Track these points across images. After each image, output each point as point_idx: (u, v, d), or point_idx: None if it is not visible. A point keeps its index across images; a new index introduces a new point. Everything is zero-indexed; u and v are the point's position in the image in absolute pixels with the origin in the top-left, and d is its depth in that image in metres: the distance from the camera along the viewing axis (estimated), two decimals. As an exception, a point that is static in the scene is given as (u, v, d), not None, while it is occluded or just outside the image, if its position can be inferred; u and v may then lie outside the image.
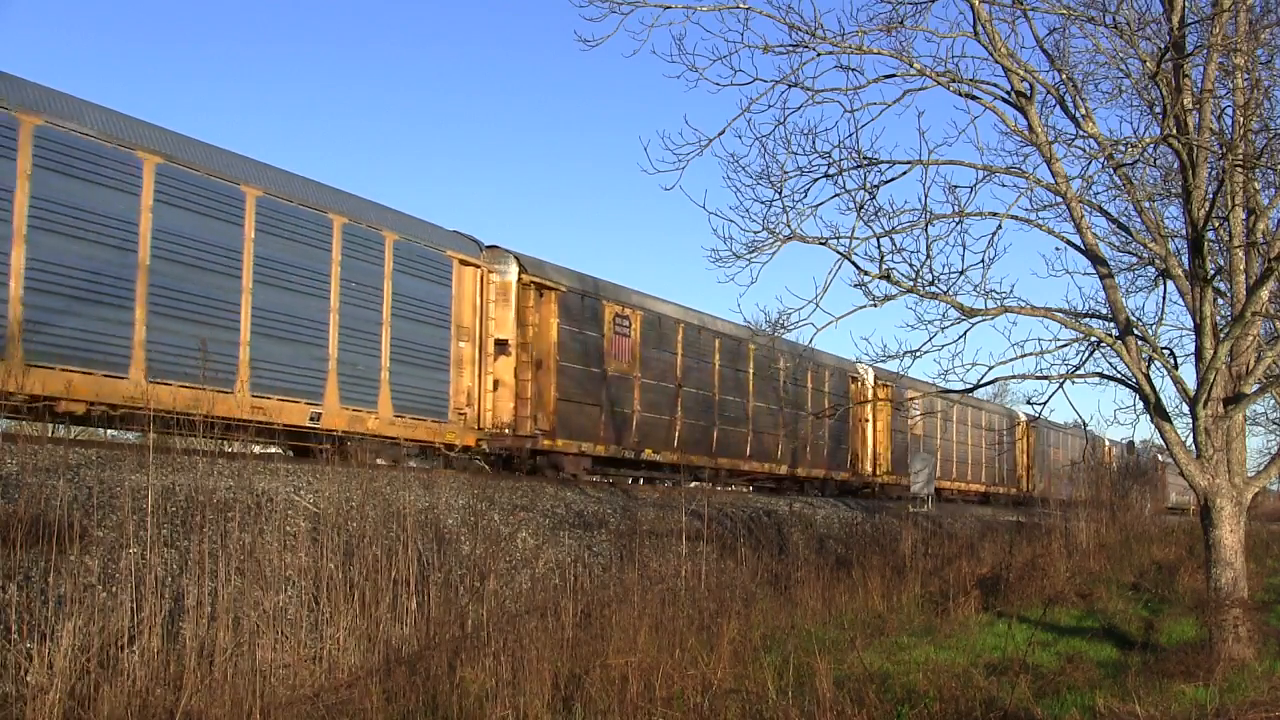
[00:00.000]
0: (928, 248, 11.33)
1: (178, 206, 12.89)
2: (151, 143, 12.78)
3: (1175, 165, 12.69)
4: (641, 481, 20.76)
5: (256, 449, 13.88)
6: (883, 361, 12.61)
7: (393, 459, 15.51)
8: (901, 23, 11.11)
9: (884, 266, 11.45)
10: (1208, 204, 11.82)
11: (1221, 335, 12.00)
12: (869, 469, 28.55)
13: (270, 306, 13.88)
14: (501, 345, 17.45)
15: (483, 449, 17.19)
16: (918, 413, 28.15)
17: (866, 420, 28.40)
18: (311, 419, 14.27)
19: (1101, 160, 11.99)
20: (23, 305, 11.25)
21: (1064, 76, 12.09)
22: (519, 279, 17.64)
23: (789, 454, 24.82)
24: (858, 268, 11.56)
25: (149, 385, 12.19)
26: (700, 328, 21.55)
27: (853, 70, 11.23)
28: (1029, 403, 13.93)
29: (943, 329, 11.96)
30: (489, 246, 17.74)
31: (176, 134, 13.35)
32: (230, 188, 13.55)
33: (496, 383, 17.37)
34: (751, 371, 23.00)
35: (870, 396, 26.93)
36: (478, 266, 17.18)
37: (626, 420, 19.72)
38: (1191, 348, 12.39)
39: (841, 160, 11.34)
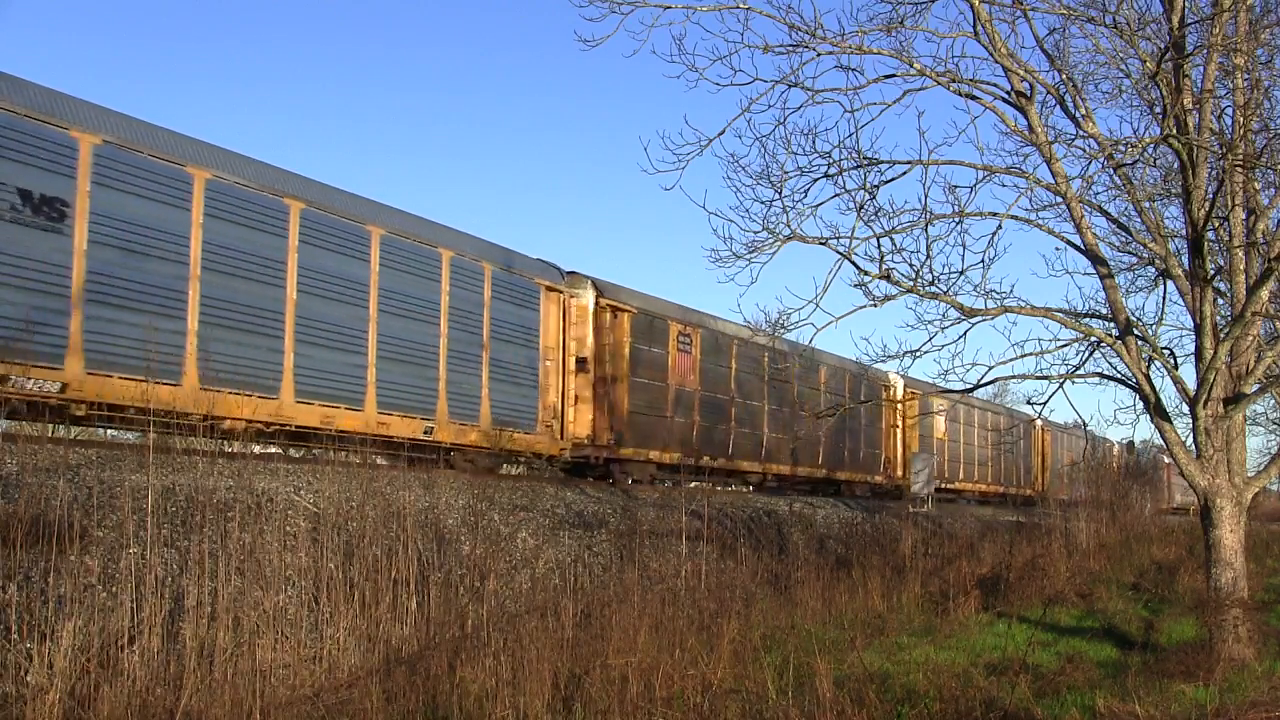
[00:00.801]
0: (928, 248, 11.34)
1: (317, 246, 14.52)
2: (297, 190, 14.32)
3: (1175, 165, 12.68)
4: (686, 484, 21.73)
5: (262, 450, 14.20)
6: (882, 361, 12.63)
7: (489, 467, 17.32)
8: (901, 23, 11.11)
9: (884, 266, 11.45)
10: (1208, 204, 11.82)
11: (1221, 335, 12.00)
12: (899, 472, 29.93)
13: (392, 334, 15.46)
14: (581, 363, 19.07)
15: (565, 458, 18.81)
16: (942, 419, 30.74)
17: (896, 427, 29.95)
18: (425, 432, 15.87)
19: (1101, 160, 11.98)
20: (196, 336, 12.80)
21: (1064, 76, 12.09)
22: (596, 302, 19.30)
23: (829, 458, 26.41)
24: (858, 268, 11.57)
25: (294, 404, 13.97)
26: (751, 343, 22.69)
27: (853, 70, 11.24)
28: (1029, 403, 13.93)
29: (943, 329, 11.97)
30: (569, 273, 19.26)
31: (315, 181, 14.94)
32: (358, 228, 15.21)
33: (576, 397, 18.97)
34: (795, 383, 24.50)
35: (901, 404, 28.91)
36: (560, 292, 18.86)
37: (688, 430, 21.36)
38: (1191, 348, 12.40)
39: (841, 160, 11.34)
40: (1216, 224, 13.07)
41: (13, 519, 8.51)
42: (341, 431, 14.07)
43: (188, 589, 9.00)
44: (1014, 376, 16.65)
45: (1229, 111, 12.99)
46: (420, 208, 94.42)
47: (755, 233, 11.48)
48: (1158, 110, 12.10)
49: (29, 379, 11.32)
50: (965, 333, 12.18)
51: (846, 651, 10.35)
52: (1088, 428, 36.86)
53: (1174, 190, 13.88)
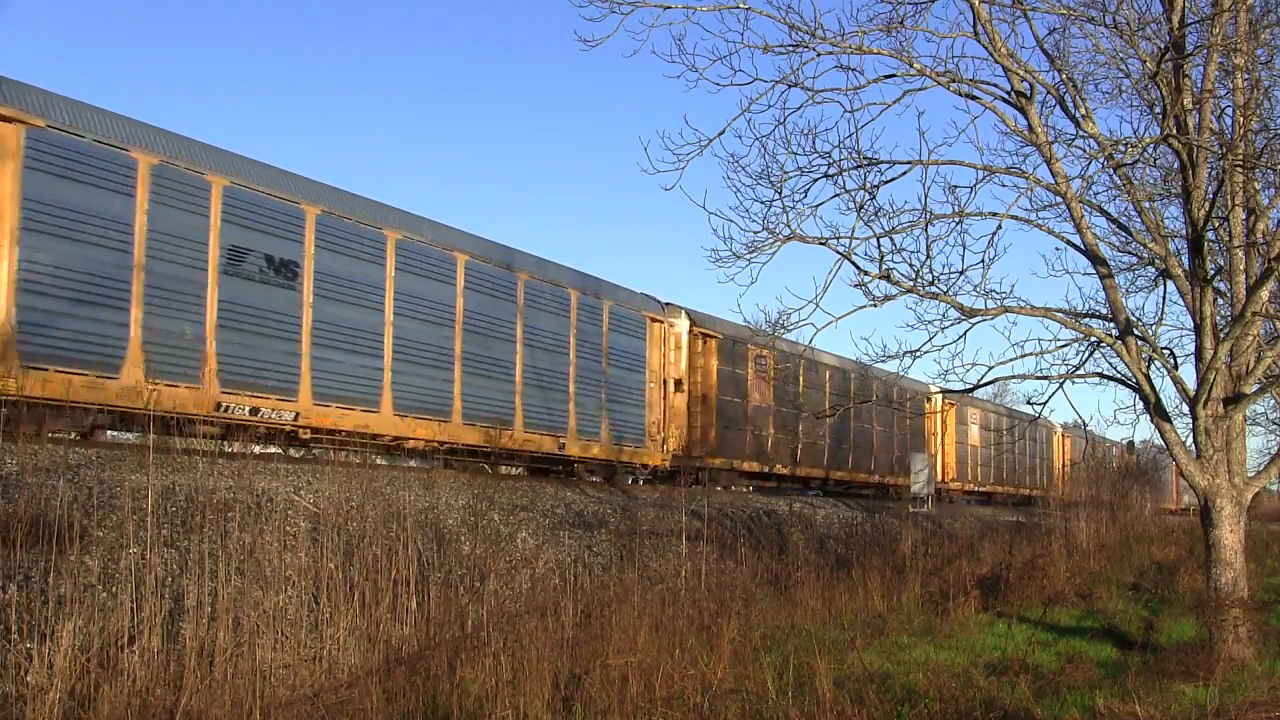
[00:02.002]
0: (928, 248, 11.34)
1: (478, 292, 17.09)
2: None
3: (1175, 165, 12.69)
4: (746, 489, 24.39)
5: (256, 449, 14.30)
6: (882, 361, 12.67)
7: (606, 476, 19.85)
8: (901, 23, 11.11)
9: (884, 266, 11.45)
10: (1208, 204, 11.82)
11: (1221, 335, 12.00)
12: (939, 476, 32.13)
13: (534, 364, 18.08)
14: (677, 384, 21.66)
15: (666, 467, 21.01)
16: (976, 427, 33.89)
17: (935, 435, 32.65)
18: (559, 447, 18.41)
19: (1101, 160, 11.98)
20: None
21: (1064, 76, 12.09)
22: (689, 330, 21.85)
23: (880, 465, 29.18)
24: (858, 268, 11.57)
25: (461, 425, 16.49)
26: (816, 362, 25.45)
27: (853, 70, 11.24)
28: (1029, 403, 13.94)
29: (943, 329, 11.98)
30: (666, 304, 21.79)
31: (473, 235, 17.27)
32: (510, 275, 17.78)
33: (673, 414, 21.50)
34: (851, 394, 26.87)
35: (939, 415, 32.03)
36: (660, 321, 21.40)
37: (764, 441, 23.96)
38: (1191, 348, 12.40)
39: (841, 160, 11.35)
40: (1216, 224, 13.07)
41: (13, 519, 8.50)
42: (500, 449, 16.85)
43: (188, 589, 8.99)
44: (1014, 376, 16.69)
45: (1229, 111, 12.99)
46: (420, 207, 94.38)
47: (755, 233, 11.49)
48: (1158, 110, 12.10)
49: (274, 410, 13.78)
50: (965, 333, 12.20)
51: (846, 651, 10.35)
52: (1088, 428, 37.11)
53: (1174, 190, 13.88)
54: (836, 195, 11.56)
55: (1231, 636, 11.35)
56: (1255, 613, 12.27)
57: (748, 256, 11.50)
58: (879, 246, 11.42)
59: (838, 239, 11.51)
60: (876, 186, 11.43)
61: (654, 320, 21.16)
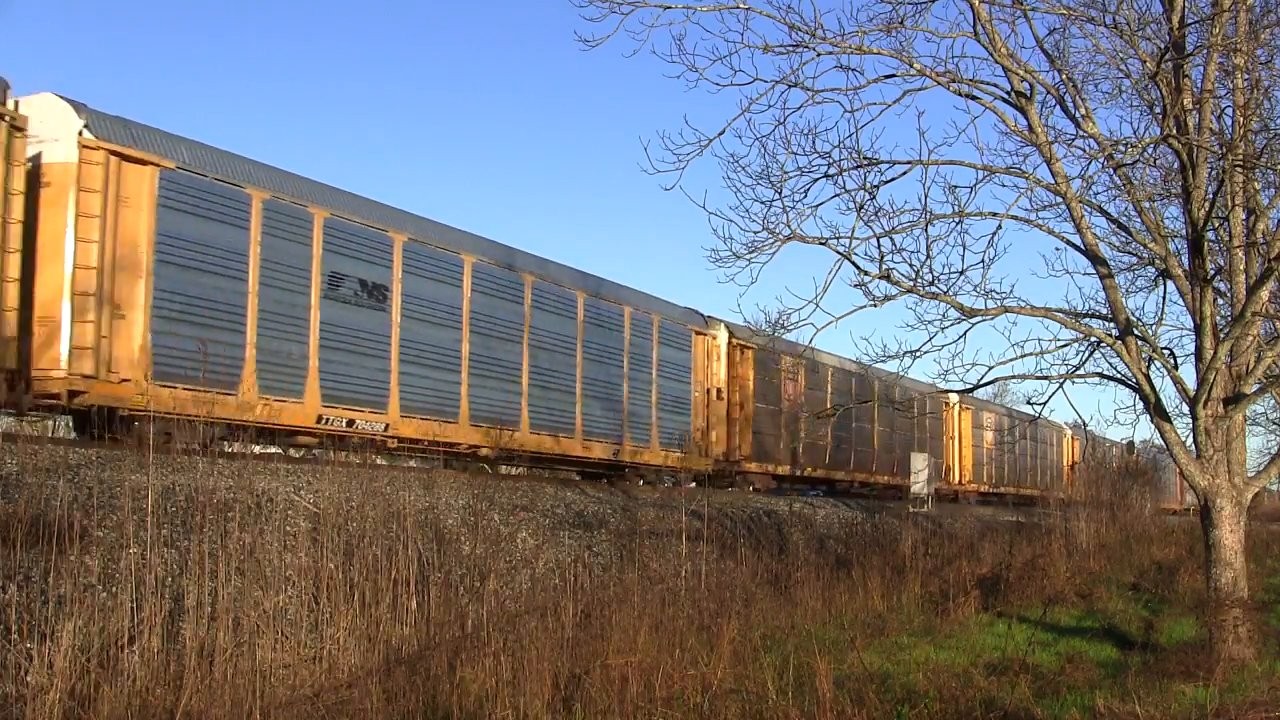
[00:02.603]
0: (928, 248, 11.33)
1: (544, 311, 18.65)
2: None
3: (1175, 165, 12.68)
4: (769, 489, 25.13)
5: (257, 449, 14.36)
6: (882, 361, 12.67)
7: (653, 480, 21.20)
8: (901, 23, 11.10)
9: (884, 266, 11.45)
10: (1208, 204, 11.82)
11: (1221, 335, 11.99)
12: (956, 477, 34.24)
13: (593, 377, 19.53)
14: (718, 393, 23.05)
15: (708, 471, 22.35)
16: (991, 431, 35.63)
17: (954, 439, 34.20)
18: (614, 454, 19.82)
19: (1101, 160, 11.98)
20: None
21: (1064, 76, 12.09)
22: (729, 342, 23.26)
23: (901, 467, 30.24)
24: (858, 268, 11.56)
25: (528, 434, 18.07)
26: (843, 370, 26.80)
27: (853, 70, 11.22)
28: (1029, 403, 13.93)
29: (943, 329, 11.97)
30: (707, 317, 23.17)
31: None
32: (571, 294, 19.40)
33: (714, 421, 22.79)
34: (876, 400, 28.16)
35: (956, 420, 33.70)
36: (704, 334, 22.82)
37: (794, 446, 25.31)
38: (1191, 348, 12.40)
39: (841, 160, 11.33)
40: (1216, 224, 13.07)
41: (13, 519, 8.50)
42: (563, 455, 18.72)
43: (188, 589, 8.99)
44: (1014, 376, 16.69)
45: (1229, 111, 12.98)
46: (420, 207, 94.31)
47: (755, 233, 11.48)
48: (1158, 110, 12.10)
49: (367, 422, 15.04)
50: (965, 333, 12.19)
51: (846, 651, 10.34)
52: (1088, 428, 37.28)
53: (1174, 190, 13.87)
54: (836, 195, 11.56)
55: (1231, 636, 11.34)
56: (1255, 613, 12.26)
57: (748, 256, 11.50)
58: (879, 246, 11.43)
59: (838, 239, 11.51)
60: (876, 186, 11.44)
61: (698, 333, 22.63)
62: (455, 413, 16.47)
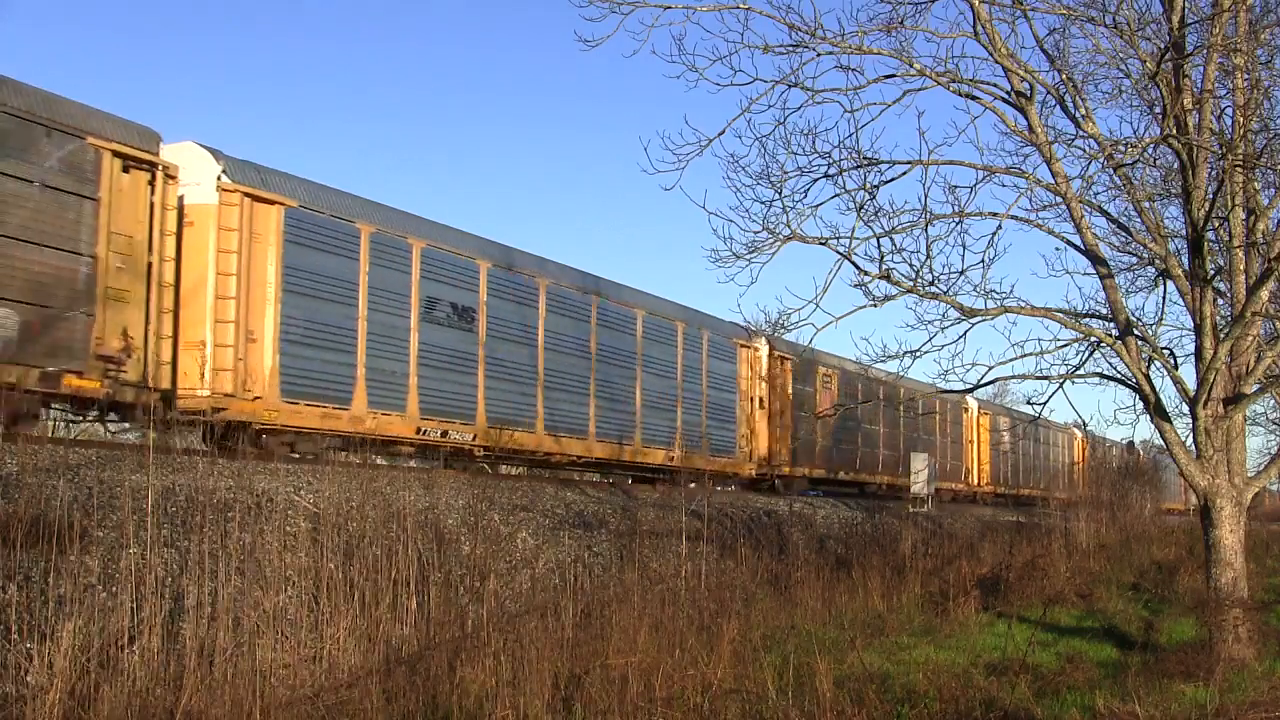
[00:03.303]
0: (928, 248, 11.33)
1: (605, 327, 20.07)
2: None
3: (1175, 165, 12.67)
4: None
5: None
6: (883, 362, 12.67)
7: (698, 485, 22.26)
8: (901, 23, 11.10)
9: (884, 266, 11.44)
10: (1208, 204, 11.81)
11: (1221, 335, 11.99)
12: (975, 480, 35.86)
13: (651, 389, 21.01)
14: (760, 402, 24.45)
15: (752, 475, 23.95)
16: (1008, 435, 37.12)
17: (972, 442, 35.70)
18: (667, 459, 21.20)
19: (1101, 160, 11.97)
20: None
21: (1064, 76, 12.08)
22: (769, 354, 24.63)
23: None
24: (858, 268, 11.55)
25: (597, 442, 19.69)
26: (874, 379, 27.90)
27: (853, 70, 11.21)
28: (1029, 403, 13.91)
29: (943, 329, 11.95)
30: (749, 330, 24.03)
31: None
32: (630, 312, 20.84)
33: (756, 429, 24.28)
34: (899, 405, 30.18)
35: (975, 424, 35.35)
36: (747, 347, 24.19)
37: (828, 450, 27.06)
38: (1191, 348, 12.39)
39: (841, 160, 11.33)
40: (1216, 224, 13.06)
41: (13, 519, 8.50)
42: (624, 461, 20.43)
43: (188, 589, 9.00)
44: (1014, 376, 16.70)
45: (1229, 111, 12.97)
46: (420, 207, 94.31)
47: (755, 233, 11.48)
48: (1158, 110, 12.09)
49: (458, 432, 16.48)
50: (965, 333, 12.17)
51: (846, 651, 10.34)
52: (1088, 428, 37.49)
53: (1174, 190, 13.87)
54: (836, 195, 11.55)
55: (1231, 636, 11.34)
56: (1255, 613, 12.26)
57: (748, 256, 11.50)
58: (879, 246, 11.42)
59: (838, 239, 11.50)
60: (876, 186, 11.43)
61: (742, 346, 24.10)
62: (534, 424, 18.02)
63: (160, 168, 12.90)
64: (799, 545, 18.53)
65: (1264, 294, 11.98)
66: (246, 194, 13.74)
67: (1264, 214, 13.76)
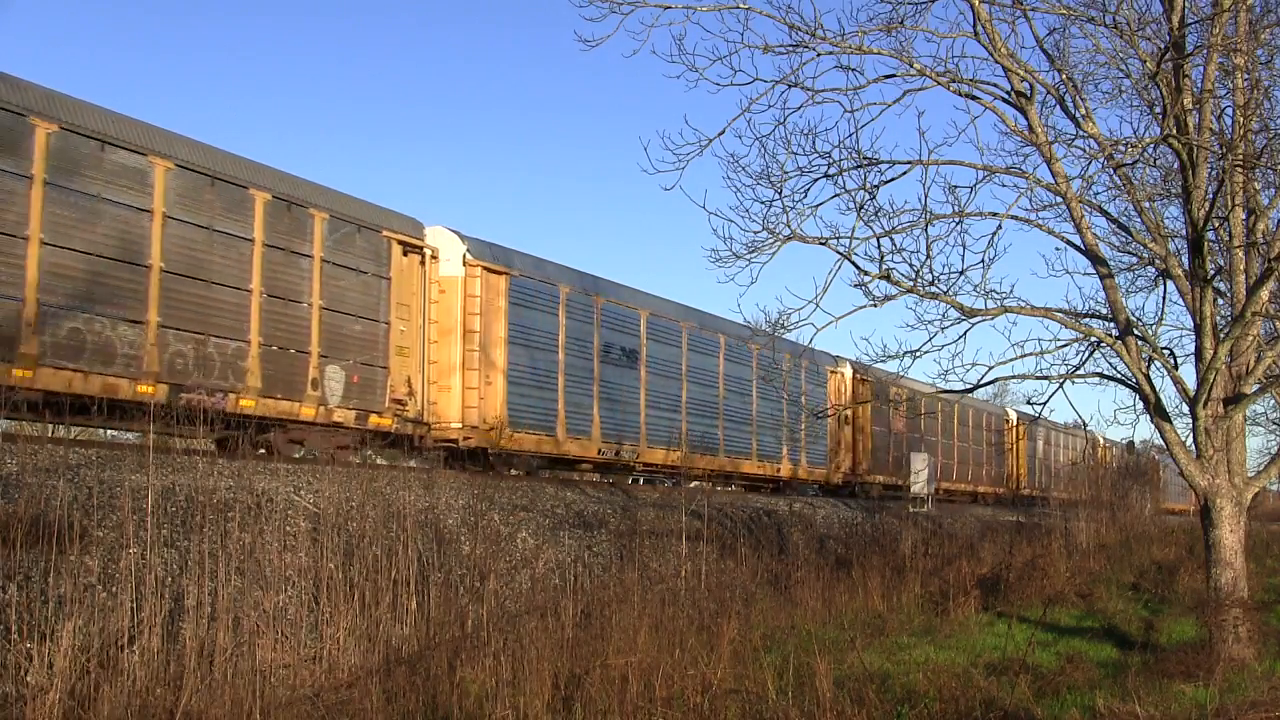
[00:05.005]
0: (928, 248, 11.32)
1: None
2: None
3: (1175, 165, 12.67)
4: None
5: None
6: (883, 362, 12.70)
7: (798, 493, 25.50)
8: (901, 23, 11.09)
9: (884, 266, 11.43)
10: (1208, 204, 11.80)
11: (1221, 335, 11.98)
12: (1014, 484, 39.09)
13: (764, 411, 24.42)
14: (845, 419, 28.08)
15: (839, 482, 27.73)
16: (1042, 441, 41.03)
17: (1011, 450, 39.07)
18: (777, 471, 25.00)
19: (1101, 160, 11.96)
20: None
21: (1064, 76, 12.07)
22: (853, 376, 28.10)
23: (975, 475, 36.08)
24: (858, 268, 11.55)
25: (725, 458, 23.35)
26: (932, 397, 30.11)
27: (853, 70, 11.21)
28: (1029, 403, 13.91)
29: (943, 329, 11.95)
30: (836, 357, 27.51)
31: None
32: (748, 349, 23.53)
33: (844, 443, 28.22)
34: (956, 421, 34.52)
35: (1014, 434, 38.73)
36: (835, 371, 27.81)
37: (899, 460, 30.33)
38: (1191, 348, 12.39)
39: (841, 160, 11.32)
40: (1216, 224, 13.05)
41: (13, 519, 8.50)
42: (741, 473, 24.01)
43: (188, 589, 8.99)
44: (1014, 376, 16.70)
45: (1229, 111, 12.97)
46: (421, 208, 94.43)
47: (755, 233, 11.48)
48: (1158, 110, 12.09)
49: (626, 452, 20.07)
50: (965, 333, 12.17)
51: (846, 651, 10.34)
52: (1088, 428, 37.72)
53: (1174, 190, 13.86)
54: (836, 195, 11.55)
55: (1231, 636, 11.34)
56: (1255, 613, 12.25)
57: (748, 256, 11.50)
58: (879, 246, 11.42)
59: (838, 239, 11.50)
60: (876, 186, 11.42)
61: (831, 371, 27.83)
62: (678, 443, 21.60)
63: (428, 250, 16.59)
64: (799, 545, 18.53)
65: (1264, 294, 11.97)
66: (485, 268, 17.31)
67: (1264, 214, 13.75)
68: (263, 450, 14.17)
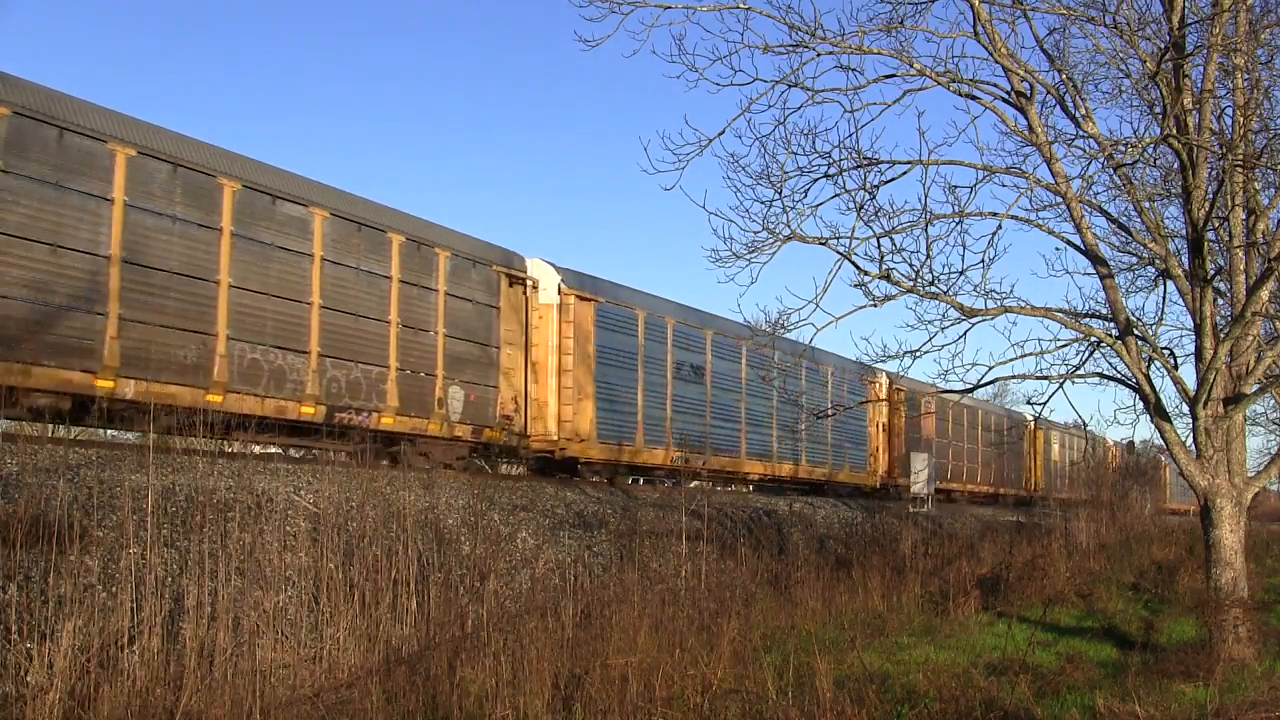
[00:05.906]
0: (928, 248, 11.32)
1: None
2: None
3: (1175, 165, 12.66)
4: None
5: (254, 449, 14.43)
6: (882, 361, 12.70)
7: (834, 494, 27.49)
8: (901, 23, 11.09)
9: (884, 266, 11.43)
10: (1208, 204, 11.80)
11: (1221, 335, 11.98)
12: (1033, 485, 40.76)
13: (812, 420, 25.02)
14: (882, 426, 30.14)
15: (875, 485, 29.65)
16: (1058, 446, 42.55)
17: (1029, 454, 40.60)
18: (821, 475, 27.36)
19: (1101, 160, 11.96)
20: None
21: (1064, 76, 12.07)
22: (890, 387, 29.80)
23: (998, 478, 37.75)
24: (858, 268, 11.55)
25: (779, 463, 25.73)
26: (962, 406, 33.66)
27: (853, 70, 11.21)
28: (1029, 403, 13.93)
29: (943, 329, 11.95)
30: (874, 367, 28.15)
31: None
32: (810, 366, 25.05)
33: (880, 448, 30.24)
34: (980, 427, 36.43)
35: (1032, 438, 39.79)
36: (872, 382, 29.51)
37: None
38: (1191, 348, 12.38)
39: (841, 160, 11.32)
40: (1216, 224, 13.05)
41: (13, 519, 8.50)
42: (795, 478, 26.49)
43: (188, 589, 8.99)
44: (1014, 376, 16.70)
45: (1229, 111, 12.97)
46: (421, 209, 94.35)
47: (755, 233, 11.47)
48: (1158, 110, 12.09)
49: (694, 458, 21.59)
50: (965, 333, 12.18)
51: (846, 651, 10.34)
52: (1087, 428, 37.77)
53: (1174, 190, 13.86)
54: (836, 195, 11.54)
55: (1231, 636, 11.33)
56: (1255, 613, 12.24)
57: (748, 256, 11.50)
58: (879, 246, 11.42)
59: (838, 239, 11.50)
60: (876, 186, 11.41)
61: (869, 382, 29.62)
62: (738, 450, 23.85)
63: (529, 281, 18.53)
64: (799, 545, 18.52)
65: (1264, 294, 11.97)
66: (577, 296, 19.16)
67: (1264, 214, 13.75)
68: (385, 461, 15.59)
